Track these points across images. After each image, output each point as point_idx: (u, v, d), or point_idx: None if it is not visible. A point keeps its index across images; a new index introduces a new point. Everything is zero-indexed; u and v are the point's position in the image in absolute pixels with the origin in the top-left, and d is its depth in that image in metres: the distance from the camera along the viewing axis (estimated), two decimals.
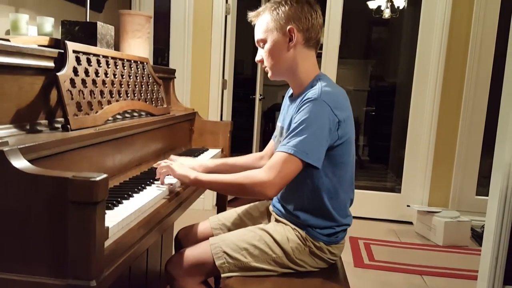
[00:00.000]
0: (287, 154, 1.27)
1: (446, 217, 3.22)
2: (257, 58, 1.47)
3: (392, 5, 5.88)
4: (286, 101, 1.56)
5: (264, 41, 1.43)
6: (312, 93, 1.33)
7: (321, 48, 3.65)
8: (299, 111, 1.32)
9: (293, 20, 1.37)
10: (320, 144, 1.29)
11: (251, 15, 1.48)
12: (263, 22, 1.42)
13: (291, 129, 1.31)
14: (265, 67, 1.46)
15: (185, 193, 1.46)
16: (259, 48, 1.47)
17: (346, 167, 1.42)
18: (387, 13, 5.91)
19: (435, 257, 2.95)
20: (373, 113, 6.41)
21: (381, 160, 5.85)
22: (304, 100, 1.32)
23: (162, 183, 1.42)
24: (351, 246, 3.00)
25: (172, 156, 1.66)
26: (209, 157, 1.98)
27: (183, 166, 1.46)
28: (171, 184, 1.42)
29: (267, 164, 1.31)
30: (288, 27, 1.37)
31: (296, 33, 1.38)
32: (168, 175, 1.43)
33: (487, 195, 2.15)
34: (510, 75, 2.02)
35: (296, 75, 1.44)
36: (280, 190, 1.33)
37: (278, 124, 1.56)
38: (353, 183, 1.49)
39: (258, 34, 1.44)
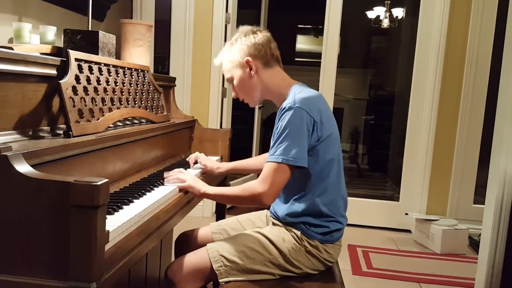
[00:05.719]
0: (276, 163, 1.37)
1: (444, 225, 3.23)
2: (233, 95, 1.62)
3: (391, 15, 5.95)
4: None
5: (232, 79, 1.57)
6: (287, 102, 1.43)
7: (320, 57, 3.68)
8: (279, 121, 1.42)
9: (246, 52, 1.51)
10: (303, 145, 1.37)
11: (215, 61, 1.62)
12: (225, 63, 1.58)
13: (275, 138, 1.40)
14: (243, 99, 1.60)
15: (184, 199, 1.48)
16: (232, 86, 1.60)
17: (331, 163, 1.47)
18: (385, 23, 5.97)
19: (433, 265, 2.96)
20: (372, 122, 6.45)
21: (380, 169, 5.87)
22: (281, 110, 1.42)
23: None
24: (350, 253, 3.00)
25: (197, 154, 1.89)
26: None
27: (194, 178, 1.56)
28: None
29: (261, 176, 1.40)
30: (245, 59, 1.51)
31: (253, 62, 1.51)
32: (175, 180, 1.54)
33: (485, 204, 2.16)
34: (505, 85, 2.05)
35: (272, 93, 1.57)
36: (276, 197, 1.41)
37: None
38: (341, 179, 1.53)
39: (225, 74, 1.60)
